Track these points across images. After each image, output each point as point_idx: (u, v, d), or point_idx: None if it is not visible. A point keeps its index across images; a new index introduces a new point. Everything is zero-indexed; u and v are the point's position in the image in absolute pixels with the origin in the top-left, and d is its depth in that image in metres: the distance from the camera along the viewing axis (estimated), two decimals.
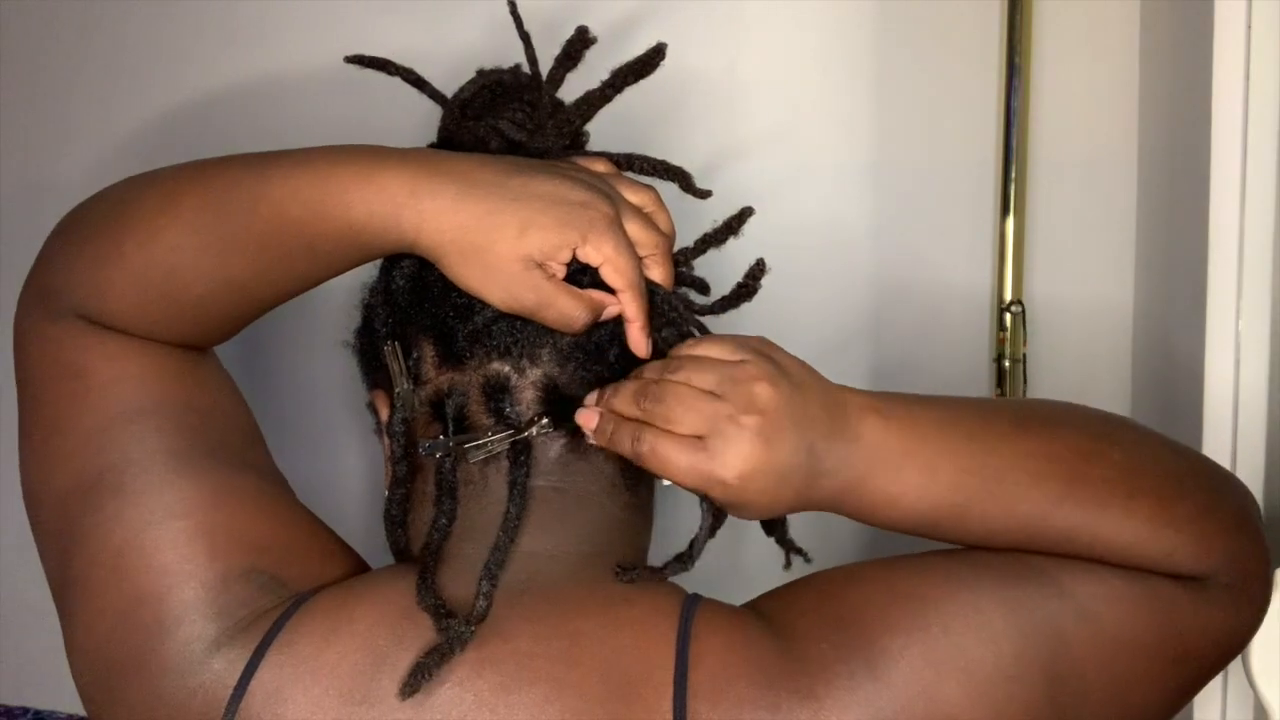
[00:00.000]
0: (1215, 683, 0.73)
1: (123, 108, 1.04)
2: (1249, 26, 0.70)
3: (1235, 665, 0.70)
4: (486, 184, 0.60)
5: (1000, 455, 0.58)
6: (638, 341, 0.63)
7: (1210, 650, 0.60)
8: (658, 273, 0.64)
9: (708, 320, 0.71)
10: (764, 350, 0.60)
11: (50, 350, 0.64)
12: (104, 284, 0.62)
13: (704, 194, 0.72)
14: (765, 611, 0.60)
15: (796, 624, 0.58)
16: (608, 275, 0.61)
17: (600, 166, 0.68)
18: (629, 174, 0.70)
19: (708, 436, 0.57)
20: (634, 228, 0.63)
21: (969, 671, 0.55)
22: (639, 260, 0.63)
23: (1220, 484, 0.62)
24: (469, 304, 0.62)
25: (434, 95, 0.72)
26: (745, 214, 0.71)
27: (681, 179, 0.72)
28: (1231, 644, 0.61)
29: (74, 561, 0.61)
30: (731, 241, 0.72)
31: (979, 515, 0.58)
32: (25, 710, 1.08)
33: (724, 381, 0.57)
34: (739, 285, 0.68)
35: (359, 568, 0.66)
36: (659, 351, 0.64)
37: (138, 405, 0.62)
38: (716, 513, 0.64)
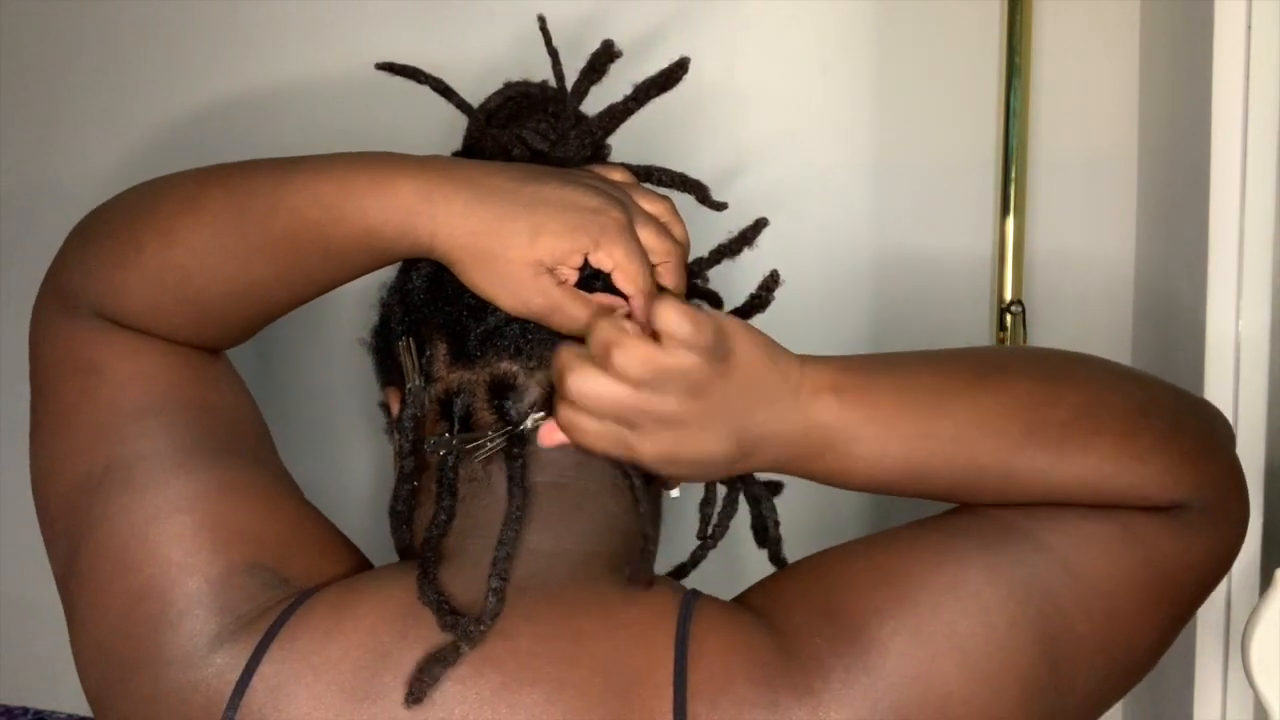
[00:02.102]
0: (1215, 682, 0.73)
1: (124, 109, 1.04)
2: (1249, 26, 0.70)
3: (1235, 665, 0.70)
4: (500, 190, 0.60)
5: (956, 415, 0.59)
6: None
7: (1194, 578, 0.61)
8: (670, 279, 0.64)
9: None
10: (716, 336, 0.56)
11: (65, 346, 0.64)
12: (121, 284, 0.63)
13: (720, 206, 0.72)
14: (758, 605, 0.60)
15: (789, 618, 0.58)
16: (619, 280, 0.61)
17: (618, 175, 0.68)
18: (646, 185, 0.70)
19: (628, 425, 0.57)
20: (647, 235, 0.63)
21: (962, 648, 0.55)
22: (651, 267, 0.63)
23: (1185, 408, 0.63)
24: (483, 304, 0.63)
25: (460, 105, 0.72)
26: (760, 225, 0.71)
27: (698, 191, 0.72)
28: (1215, 568, 0.62)
29: (80, 555, 0.62)
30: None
31: (937, 473, 0.59)
32: (25, 710, 1.08)
33: (653, 377, 0.56)
34: (753, 296, 0.69)
35: (363, 566, 0.66)
36: None
37: (148, 402, 0.63)
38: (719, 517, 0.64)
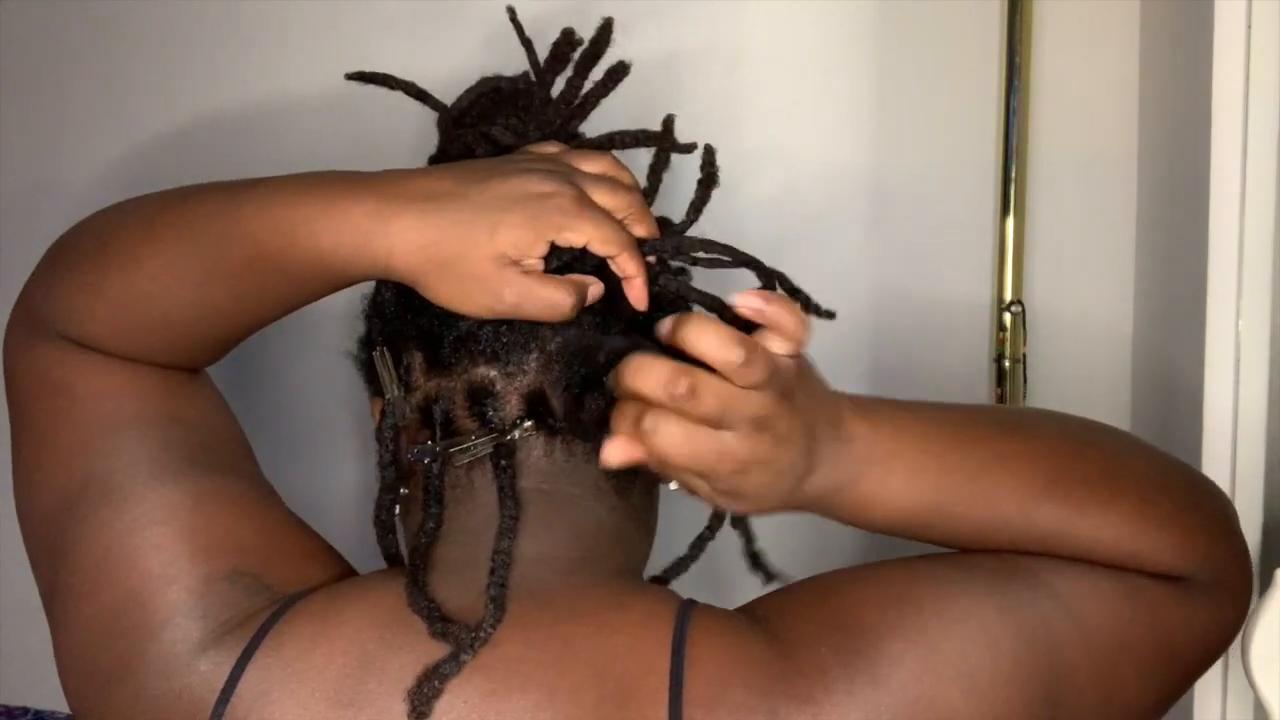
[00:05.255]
0: (1215, 682, 0.73)
1: (126, 109, 1.04)
2: (1249, 26, 0.70)
3: (1235, 665, 0.70)
4: (447, 196, 0.59)
5: (981, 456, 0.59)
6: (639, 296, 0.63)
7: (1196, 648, 0.61)
8: (641, 229, 0.64)
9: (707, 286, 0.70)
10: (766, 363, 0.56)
11: (37, 369, 0.65)
12: (86, 309, 0.63)
13: (687, 149, 0.71)
14: (761, 616, 0.60)
15: (793, 628, 0.58)
16: (597, 249, 0.61)
17: (549, 149, 0.67)
18: (608, 152, 0.69)
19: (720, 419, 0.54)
20: (602, 195, 0.62)
21: (969, 677, 0.55)
22: (619, 224, 0.62)
23: (1198, 484, 0.64)
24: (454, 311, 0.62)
25: (436, 106, 0.72)
26: (709, 153, 0.70)
27: (660, 140, 0.71)
28: (1216, 642, 0.62)
29: (61, 571, 0.62)
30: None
31: (962, 515, 0.59)
32: (25, 710, 1.08)
33: (729, 413, 0.54)
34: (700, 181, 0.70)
35: (348, 573, 0.66)
36: (660, 303, 0.63)
37: (121, 418, 0.63)
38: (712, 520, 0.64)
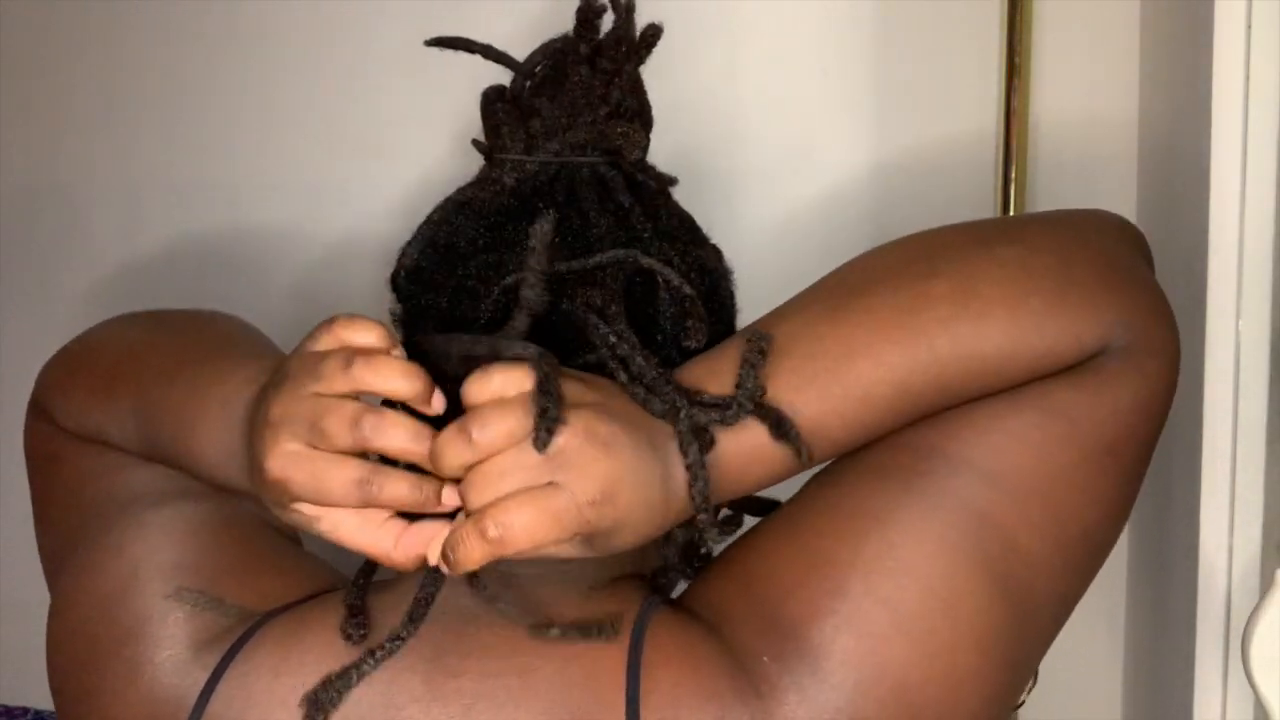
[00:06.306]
0: (1215, 682, 0.73)
1: (127, 110, 1.04)
2: (1249, 26, 0.70)
3: (1235, 665, 0.70)
4: (263, 423, 0.54)
5: (825, 357, 0.55)
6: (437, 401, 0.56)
7: (1135, 430, 0.57)
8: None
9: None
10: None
11: (36, 443, 0.72)
12: (68, 411, 0.69)
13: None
14: (702, 615, 0.58)
15: (736, 634, 0.56)
16: (383, 395, 0.54)
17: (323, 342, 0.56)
18: None
19: (547, 476, 0.51)
20: (335, 374, 0.53)
21: (905, 628, 0.53)
22: (354, 407, 0.53)
23: (1073, 247, 0.58)
24: (448, 322, 0.62)
25: (513, 65, 0.70)
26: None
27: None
28: (1151, 412, 0.58)
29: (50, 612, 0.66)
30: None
31: (840, 427, 0.55)
32: (25, 710, 1.08)
33: (520, 423, 0.52)
34: None
35: (328, 583, 0.65)
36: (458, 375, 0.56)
37: (98, 467, 0.67)
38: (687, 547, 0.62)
